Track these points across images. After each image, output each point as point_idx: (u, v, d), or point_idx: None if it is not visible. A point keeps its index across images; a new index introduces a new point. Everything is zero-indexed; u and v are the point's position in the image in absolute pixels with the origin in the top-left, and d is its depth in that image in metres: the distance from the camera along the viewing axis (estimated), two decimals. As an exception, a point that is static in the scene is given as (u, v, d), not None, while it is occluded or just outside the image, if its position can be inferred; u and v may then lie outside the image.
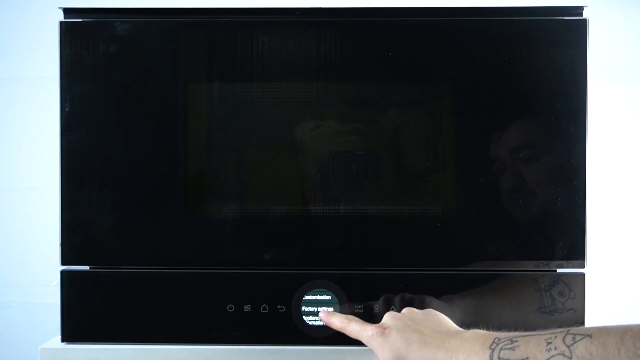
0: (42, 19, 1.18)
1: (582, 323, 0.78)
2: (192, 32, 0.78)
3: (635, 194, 1.24)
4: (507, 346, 0.60)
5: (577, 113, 0.77)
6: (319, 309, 0.78)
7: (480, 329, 0.66)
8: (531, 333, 0.61)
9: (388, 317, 0.70)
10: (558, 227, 0.77)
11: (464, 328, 0.69)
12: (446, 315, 0.71)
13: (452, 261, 0.79)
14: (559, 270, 0.78)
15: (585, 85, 0.77)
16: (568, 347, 0.56)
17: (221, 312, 0.79)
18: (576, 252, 0.78)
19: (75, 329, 0.79)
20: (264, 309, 0.79)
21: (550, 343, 0.58)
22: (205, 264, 0.79)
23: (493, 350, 0.61)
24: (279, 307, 0.79)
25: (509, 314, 0.78)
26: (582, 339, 0.56)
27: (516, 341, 0.60)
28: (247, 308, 0.79)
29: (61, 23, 0.78)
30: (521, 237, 0.78)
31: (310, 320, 0.79)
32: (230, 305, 0.79)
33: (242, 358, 0.79)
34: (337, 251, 0.78)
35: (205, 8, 0.79)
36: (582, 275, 0.78)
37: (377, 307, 0.78)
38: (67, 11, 0.79)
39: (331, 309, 0.78)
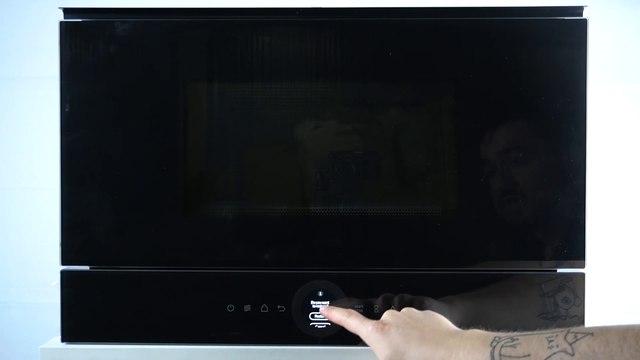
0: (42, 19, 1.18)
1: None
2: (192, 32, 0.78)
3: (635, 194, 1.24)
4: (508, 344, 0.60)
5: (577, 113, 0.77)
6: (319, 304, 0.78)
7: (479, 329, 0.66)
8: (532, 332, 0.61)
9: (387, 315, 0.70)
10: (558, 227, 0.77)
11: (462, 329, 0.68)
12: (445, 316, 0.71)
13: (452, 261, 0.79)
14: (559, 270, 0.78)
15: (585, 86, 0.77)
16: (570, 344, 0.56)
17: (221, 312, 0.79)
18: (576, 252, 0.78)
19: (75, 329, 0.79)
20: (264, 309, 0.79)
21: (552, 341, 0.58)
22: (205, 264, 0.79)
23: (494, 347, 0.60)
24: (279, 307, 0.79)
25: (509, 318, 0.77)
26: (584, 336, 0.56)
27: (517, 339, 0.60)
28: (247, 308, 0.79)
29: (61, 23, 0.78)
30: (521, 237, 0.78)
31: (310, 320, 0.79)
32: (230, 305, 0.79)
33: (242, 358, 0.79)
34: (337, 251, 0.78)
35: (205, 8, 0.79)
36: (582, 275, 0.78)
37: (377, 306, 0.78)
38: (67, 11, 0.79)
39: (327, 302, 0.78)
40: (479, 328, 0.66)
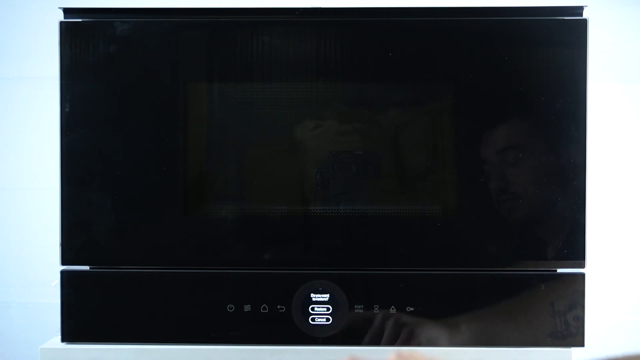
0: (42, 19, 1.18)
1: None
2: (192, 32, 0.78)
3: (635, 194, 1.24)
4: None
5: (577, 113, 0.77)
6: (319, 305, 0.78)
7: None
8: None
9: (395, 355, 0.70)
10: (558, 227, 0.77)
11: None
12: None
13: (452, 261, 0.79)
14: (559, 271, 0.78)
15: (585, 86, 0.77)
16: None
17: (221, 312, 0.79)
18: (576, 252, 0.78)
19: (75, 329, 0.79)
20: (264, 309, 0.79)
21: None
22: (205, 264, 0.79)
23: None
24: (279, 307, 0.79)
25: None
26: None
27: None
28: (247, 308, 0.79)
29: (61, 23, 0.78)
30: (521, 237, 0.78)
31: (310, 320, 0.79)
32: (230, 305, 0.79)
33: (242, 358, 0.79)
34: (337, 251, 0.78)
35: (205, 8, 0.79)
36: (582, 275, 0.78)
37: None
38: (67, 11, 0.79)
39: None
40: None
